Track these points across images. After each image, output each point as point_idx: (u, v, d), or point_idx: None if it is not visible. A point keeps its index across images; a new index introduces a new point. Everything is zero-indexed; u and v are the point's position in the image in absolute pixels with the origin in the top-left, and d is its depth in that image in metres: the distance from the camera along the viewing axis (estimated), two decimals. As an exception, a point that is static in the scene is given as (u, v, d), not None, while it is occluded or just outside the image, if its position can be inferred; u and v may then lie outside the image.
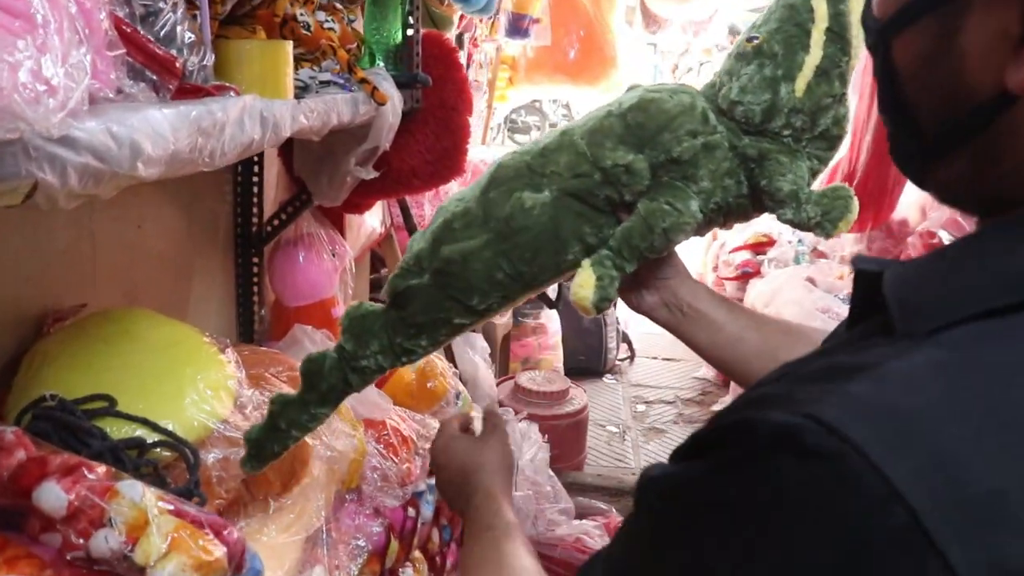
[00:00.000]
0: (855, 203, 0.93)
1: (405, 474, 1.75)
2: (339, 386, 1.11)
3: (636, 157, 0.92)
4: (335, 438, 1.50)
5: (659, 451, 3.70)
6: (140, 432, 1.10)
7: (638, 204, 0.94)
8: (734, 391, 4.04)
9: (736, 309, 1.04)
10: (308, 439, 1.40)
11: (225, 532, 0.93)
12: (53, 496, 0.83)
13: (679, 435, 3.87)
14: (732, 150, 0.93)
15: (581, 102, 7.31)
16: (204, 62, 1.01)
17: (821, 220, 0.92)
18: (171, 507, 0.89)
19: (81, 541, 0.84)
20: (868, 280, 0.59)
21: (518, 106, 9.14)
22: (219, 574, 0.88)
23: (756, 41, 0.90)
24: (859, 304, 0.63)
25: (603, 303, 0.96)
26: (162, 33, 0.95)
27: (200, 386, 1.20)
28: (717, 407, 4.13)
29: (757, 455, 0.47)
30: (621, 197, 0.94)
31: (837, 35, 0.89)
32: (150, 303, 1.53)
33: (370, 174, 1.66)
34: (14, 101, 0.58)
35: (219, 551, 0.89)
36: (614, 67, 5.62)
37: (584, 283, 0.94)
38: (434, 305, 1.02)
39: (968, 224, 3.32)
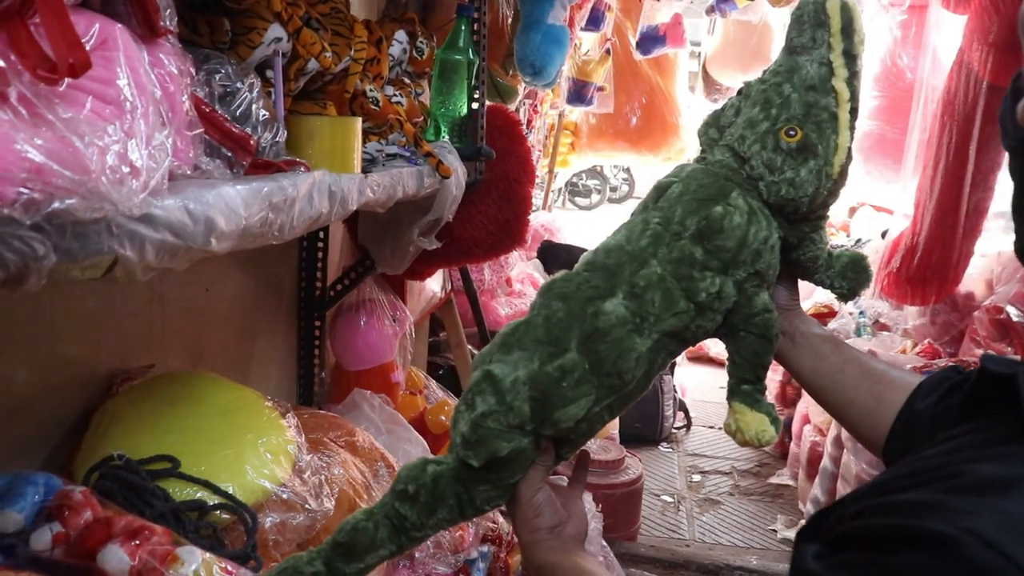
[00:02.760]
0: (872, 273, 1.05)
1: (458, 541, 1.75)
2: (387, 555, 0.97)
3: (724, 280, 0.91)
4: (390, 504, 1.51)
5: (714, 522, 3.63)
6: (201, 494, 1.12)
7: (736, 322, 0.95)
8: (791, 464, 3.96)
9: (840, 343, 1.06)
10: (363, 505, 1.41)
11: (280, 599, 0.95)
12: (116, 559, 0.85)
13: (735, 507, 3.80)
14: (780, 239, 0.96)
15: (642, 168, 7.36)
16: (277, 138, 1.05)
17: (846, 292, 1.04)
18: (229, 574, 0.91)
19: (141, 604, 0.86)
20: (997, 381, 0.62)
21: (579, 170, 9.20)
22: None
23: (796, 136, 0.91)
24: (978, 401, 0.67)
25: (779, 429, 0.98)
26: (239, 111, 1.00)
27: (261, 450, 1.22)
28: (774, 479, 4.05)
29: (918, 563, 0.49)
30: (710, 324, 0.93)
31: (855, 108, 0.92)
32: (214, 364, 1.57)
33: (433, 244, 1.70)
34: (101, 183, 0.61)
35: (273, 618, 0.90)
36: (675, 134, 5.65)
37: (760, 425, 0.95)
38: (528, 462, 0.93)
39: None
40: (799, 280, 1.06)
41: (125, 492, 1.08)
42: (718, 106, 1.07)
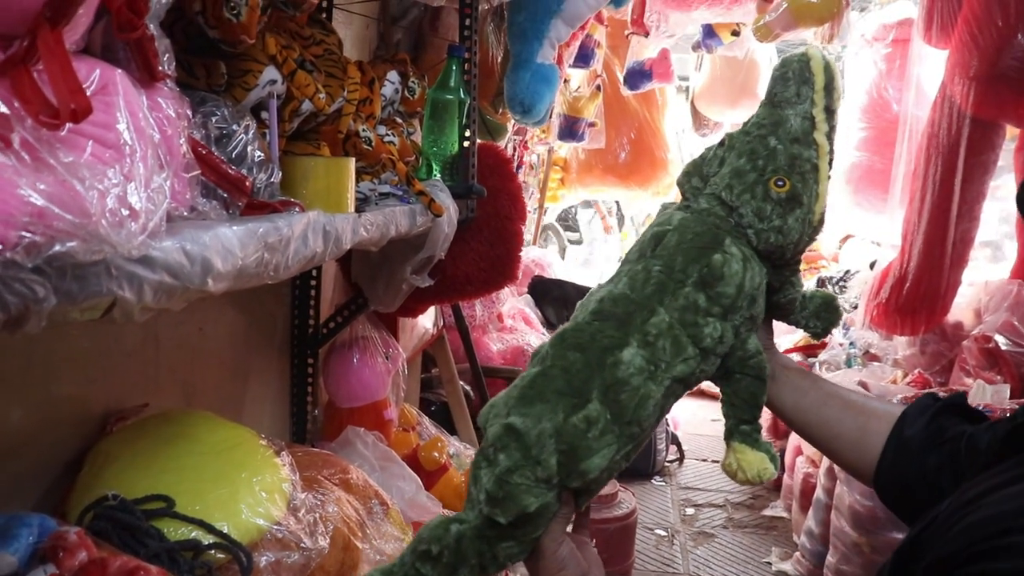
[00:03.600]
0: (841, 312, 1.11)
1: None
2: None
3: (724, 326, 0.94)
4: (384, 542, 1.51)
5: (708, 556, 3.61)
6: (196, 534, 1.12)
7: (732, 365, 0.97)
8: (784, 496, 3.95)
9: (817, 378, 1.10)
10: (358, 543, 1.41)
11: (276, 639, 0.95)
12: (113, 599, 0.85)
13: (729, 539, 3.78)
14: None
15: (631, 203, 7.39)
16: (272, 179, 1.07)
17: (819, 331, 1.08)
18: (225, 613, 0.91)
19: (137, 645, 0.85)
20: None
21: (570, 205, 9.25)
22: None
23: (784, 186, 0.95)
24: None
25: (777, 466, 1.00)
26: (234, 153, 1.01)
27: (255, 489, 1.22)
28: (768, 511, 4.04)
29: None
30: (710, 368, 0.96)
31: (831, 160, 0.98)
32: (208, 403, 1.57)
33: (425, 282, 1.71)
34: (101, 226, 0.62)
35: (270, 659, 0.90)
36: (664, 169, 5.69)
37: (761, 464, 0.97)
38: (551, 515, 0.92)
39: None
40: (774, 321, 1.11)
41: (120, 532, 1.08)
42: (706, 142, 1.10)
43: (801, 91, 0.96)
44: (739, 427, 0.99)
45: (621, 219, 13.00)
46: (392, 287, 1.73)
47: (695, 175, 1.03)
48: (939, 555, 0.71)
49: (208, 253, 0.79)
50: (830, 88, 0.96)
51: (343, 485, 1.52)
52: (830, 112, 0.96)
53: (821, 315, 1.07)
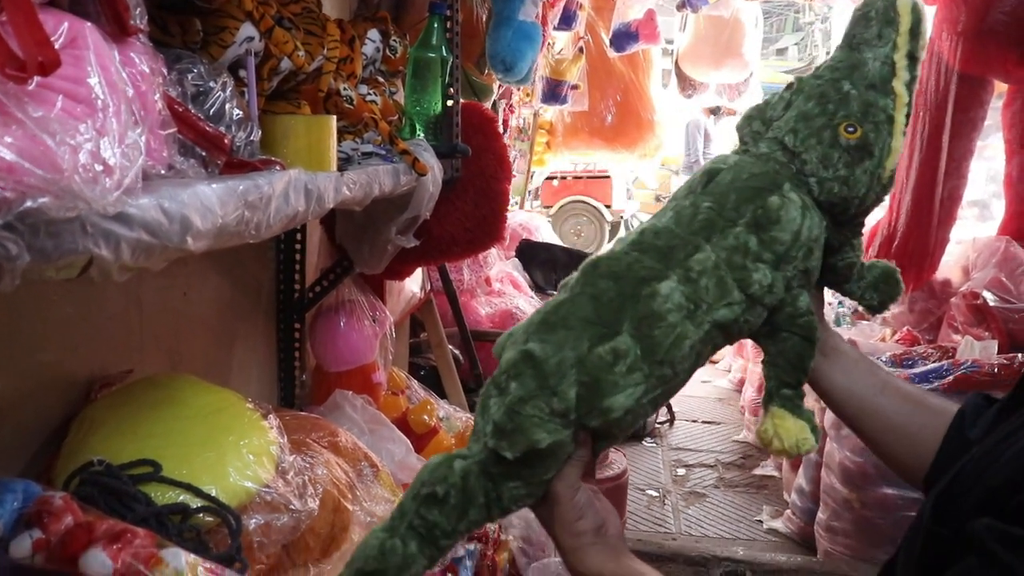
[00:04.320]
0: (903, 287, 1.01)
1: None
2: (419, 572, 0.88)
3: (776, 275, 0.86)
4: (375, 504, 1.51)
5: (700, 515, 3.64)
6: (184, 497, 1.11)
7: (780, 321, 0.90)
8: (775, 455, 3.98)
9: (875, 363, 1.01)
10: (348, 505, 1.41)
11: (266, 599, 0.94)
12: (99, 563, 0.85)
13: (720, 499, 3.81)
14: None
15: (618, 166, 7.38)
16: (251, 137, 1.05)
17: (876, 304, 1.00)
18: None
19: (125, 607, 0.85)
20: None
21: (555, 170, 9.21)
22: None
23: (855, 133, 0.88)
24: None
25: (818, 438, 0.92)
26: (212, 111, 0.99)
27: (243, 452, 1.22)
28: (759, 471, 4.07)
29: None
30: (755, 320, 0.88)
31: (910, 114, 0.90)
32: (193, 368, 1.56)
33: (411, 243, 1.69)
34: (74, 181, 0.61)
35: (260, 618, 0.90)
36: (651, 131, 5.68)
37: (801, 433, 0.88)
38: (564, 457, 0.85)
39: (1012, 283, 3.27)
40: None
41: (106, 497, 1.08)
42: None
43: (883, 32, 0.88)
44: (780, 390, 0.90)
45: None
46: (377, 248, 1.72)
47: (757, 119, 0.96)
48: (990, 485, 0.70)
49: (187, 211, 0.78)
50: (916, 32, 0.88)
51: (332, 448, 1.52)
52: (913, 60, 0.89)
53: (880, 287, 0.99)
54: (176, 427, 1.22)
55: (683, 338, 0.83)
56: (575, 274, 0.89)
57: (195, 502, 1.12)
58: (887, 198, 0.95)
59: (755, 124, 0.96)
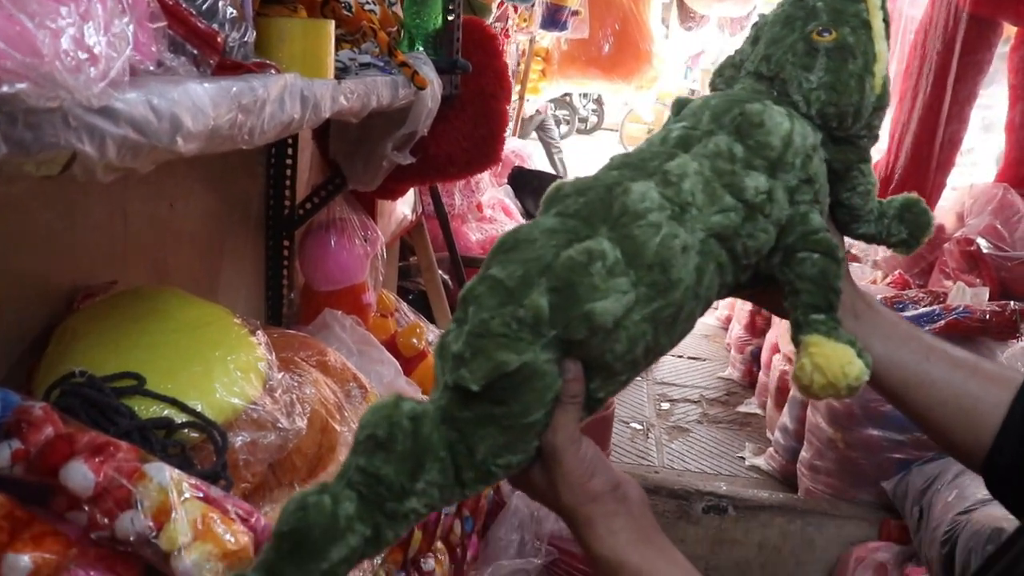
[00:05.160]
0: (933, 217, 0.89)
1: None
2: (359, 544, 0.68)
3: (773, 183, 0.76)
4: (362, 426, 1.49)
5: (683, 450, 3.66)
6: (168, 412, 1.08)
7: (794, 242, 0.78)
8: (759, 393, 3.99)
9: (914, 326, 0.87)
10: (336, 425, 1.39)
11: (253, 519, 0.92)
12: (80, 475, 0.81)
13: (703, 435, 3.83)
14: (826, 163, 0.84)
15: (614, 97, 7.28)
16: (245, 38, 0.99)
17: (907, 238, 0.88)
18: (199, 493, 0.88)
19: (107, 521, 0.82)
20: None
21: (549, 99, 9.12)
22: (245, 564, 0.86)
23: (830, 35, 0.81)
24: None
25: (869, 364, 0.75)
26: (204, 7, 0.93)
27: (230, 367, 1.18)
28: (742, 408, 4.09)
29: None
30: (761, 235, 0.76)
31: (887, 26, 0.84)
32: (179, 282, 1.52)
33: (407, 159, 1.64)
34: (56, 68, 0.56)
35: (245, 539, 0.88)
36: (648, 63, 5.57)
37: (844, 357, 0.74)
38: (548, 395, 0.69)
39: (1007, 231, 3.25)
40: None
41: (88, 409, 1.04)
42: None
43: None
44: (809, 316, 0.76)
45: (601, 116, 12.82)
46: (372, 164, 1.67)
47: (728, 67, 0.89)
48: None
49: (177, 109, 0.73)
50: None
51: (320, 367, 1.49)
52: None
53: (906, 217, 0.87)
54: (161, 340, 1.18)
55: (672, 238, 0.69)
56: (541, 207, 0.78)
57: (180, 417, 1.09)
58: (884, 137, 0.88)
59: (727, 72, 0.89)
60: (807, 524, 2.68)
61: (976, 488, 2.14)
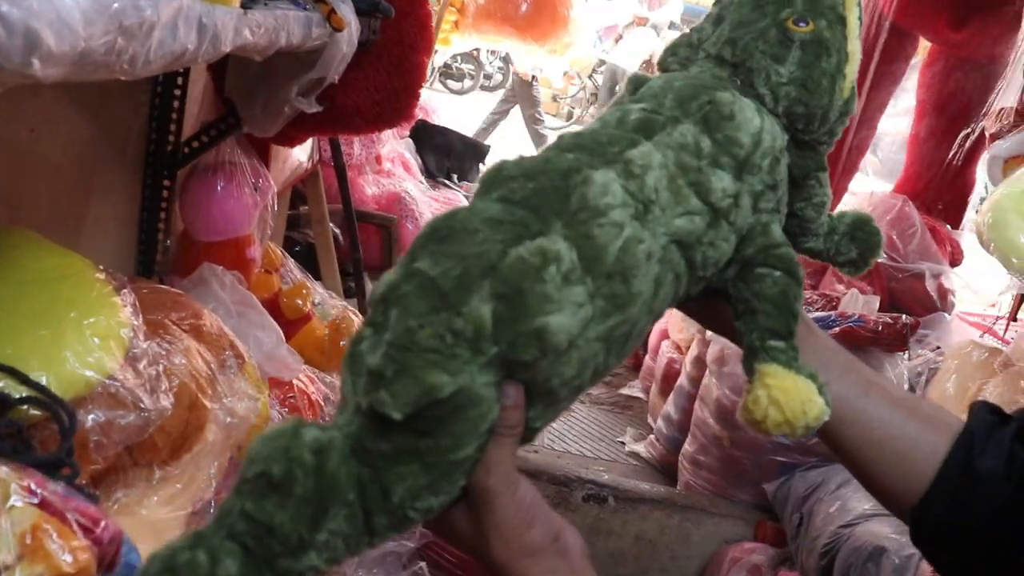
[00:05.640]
0: (883, 237, 0.81)
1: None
2: None
3: (739, 187, 0.67)
4: (237, 400, 1.32)
5: (563, 430, 3.60)
6: (3, 384, 0.90)
7: (753, 255, 0.70)
8: (644, 377, 3.96)
9: (855, 358, 0.80)
10: (207, 402, 1.23)
11: (99, 529, 0.76)
12: None
13: (584, 415, 3.78)
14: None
15: (523, 57, 7.12)
16: (135, -55, 0.82)
17: (856, 258, 0.80)
18: (32, 497, 0.71)
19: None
20: None
21: (455, 53, 8.92)
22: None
23: (808, 26, 0.72)
24: None
25: (828, 402, 0.68)
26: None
27: (86, 333, 1.01)
28: (625, 390, 4.05)
29: None
30: (722, 245, 0.67)
31: (861, 13, 0.76)
32: (37, 220, 1.32)
33: (312, 107, 1.47)
34: None
35: (86, 557, 0.72)
36: (564, 27, 5.45)
37: (806, 393, 0.66)
38: (482, 426, 0.57)
39: (901, 243, 3.28)
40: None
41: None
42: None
43: None
44: (767, 342, 0.68)
45: (506, 74, 12.66)
46: (272, 108, 1.48)
47: (683, 46, 0.78)
48: None
49: (36, 23, 0.56)
50: None
51: (194, 332, 1.32)
52: None
53: (857, 235, 0.80)
54: (4, 294, 1.00)
55: (636, 242, 0.59)
56: (477, 188, 0.65)
57: (19, 391, 0.91)
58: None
59: (682, 51, 0.78)
60: (685, 519, 2.65)
61: (859, 502, 2.12)
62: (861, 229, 0.80)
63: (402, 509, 0.57)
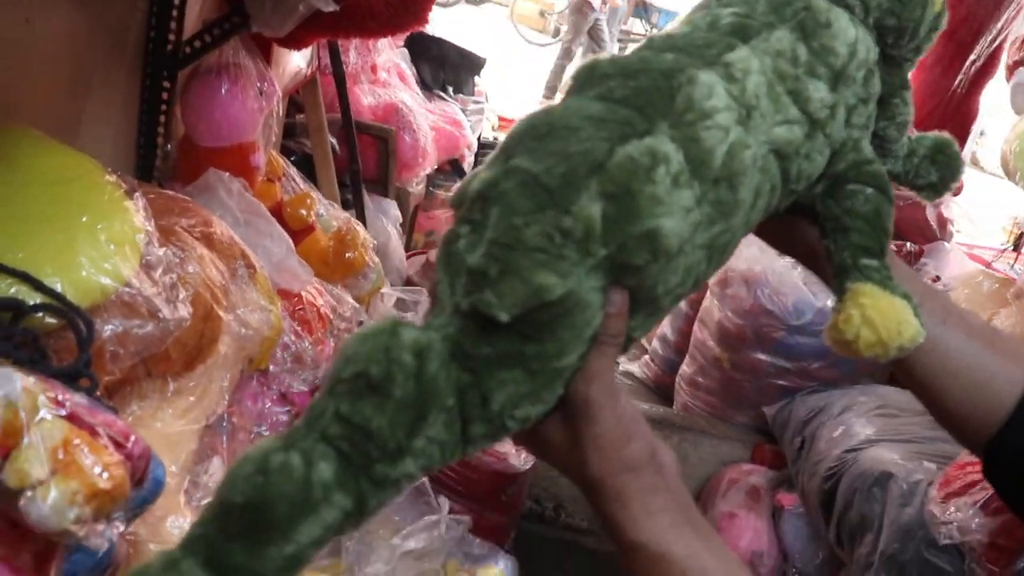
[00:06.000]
0: (962, 162, 0.79)
1: (318, 355, 1.54)
2: (338, 518, 0.50)
3: (835, 97, 0.63)
4: (250, 311, 1.28)
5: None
6: (17, 291, 0.85)
7: (844, 171, 0.67)
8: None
9: (930, 285, 0.78)
10: (221, 312, 1.18)
11: (129, 443, 0.72)
12: None
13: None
14: None
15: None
16: None
17: (936, 182, 0.78)
18: (60, 409, 0.66)
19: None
20: None
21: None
22: (119, 503, 0.67)
23: None
24: None
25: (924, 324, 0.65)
26: None
27: (100, 238, 0.95)
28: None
29: None
30: (817, 158, 0.65)
31: None
32: (33, 117, 1.24)
33: (329, 6, 1.38)
34: None
35: (120, 472, 0.67)
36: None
37: (901, 313, 0.63)
38: (587, 332, 0.54)
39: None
40: None
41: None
42: None
43: None
44: (860, 260, 0.65)
45: None
46: (285, 5, 1.40)
47: None
48: None
49: None
50: None
51: (205, 240, 1.26)
52: None
53: (938, 159, 0.76)
54: (9, 195, 0.93)
55: (742, 147, 0.56)
56: (571, 86, 0.61)
57: (33, 297, 0.85)
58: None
59: None
60: (683, 440, 2.64)
61: (863, 427, 2.10)
62: (942, 152, 0.77)
63: (501, 417, 0.54)
